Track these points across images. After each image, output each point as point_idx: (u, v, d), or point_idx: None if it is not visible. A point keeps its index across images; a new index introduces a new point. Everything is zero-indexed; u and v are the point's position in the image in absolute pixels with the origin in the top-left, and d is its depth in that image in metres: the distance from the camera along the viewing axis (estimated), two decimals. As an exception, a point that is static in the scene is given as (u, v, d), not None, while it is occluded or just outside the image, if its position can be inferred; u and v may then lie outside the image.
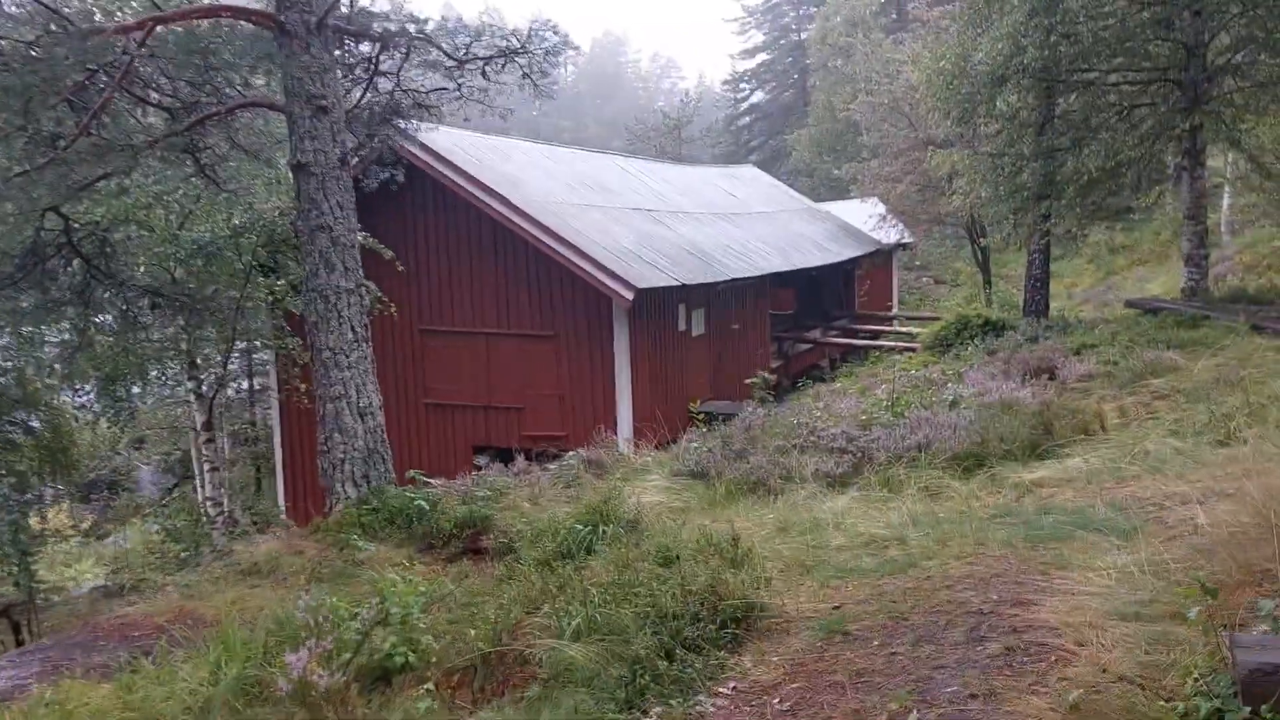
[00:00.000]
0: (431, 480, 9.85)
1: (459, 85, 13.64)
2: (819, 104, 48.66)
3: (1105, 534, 5.77)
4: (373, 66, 12.15)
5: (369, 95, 13.12)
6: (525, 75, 13.65)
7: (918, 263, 38.49)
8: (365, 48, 12.08)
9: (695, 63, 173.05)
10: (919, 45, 22.29)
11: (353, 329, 9.70)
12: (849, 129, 41.54)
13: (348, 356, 9.68)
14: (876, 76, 32.00)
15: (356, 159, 16.77)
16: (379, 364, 18.82)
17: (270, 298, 14.88)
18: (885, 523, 6.89)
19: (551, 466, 11.49)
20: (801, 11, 67.10)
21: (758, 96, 71.20)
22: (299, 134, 9.51)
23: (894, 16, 55.07)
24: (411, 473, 9.81)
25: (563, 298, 17.22)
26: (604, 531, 7.09)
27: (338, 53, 12.35)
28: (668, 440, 17.71)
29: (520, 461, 11.53)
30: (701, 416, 14.45)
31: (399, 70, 12.65)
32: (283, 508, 19.93)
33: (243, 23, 9.82)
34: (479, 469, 19.95)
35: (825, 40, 48.03)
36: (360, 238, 14.76)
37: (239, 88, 10.37)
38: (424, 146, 16.94)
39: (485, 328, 17.89)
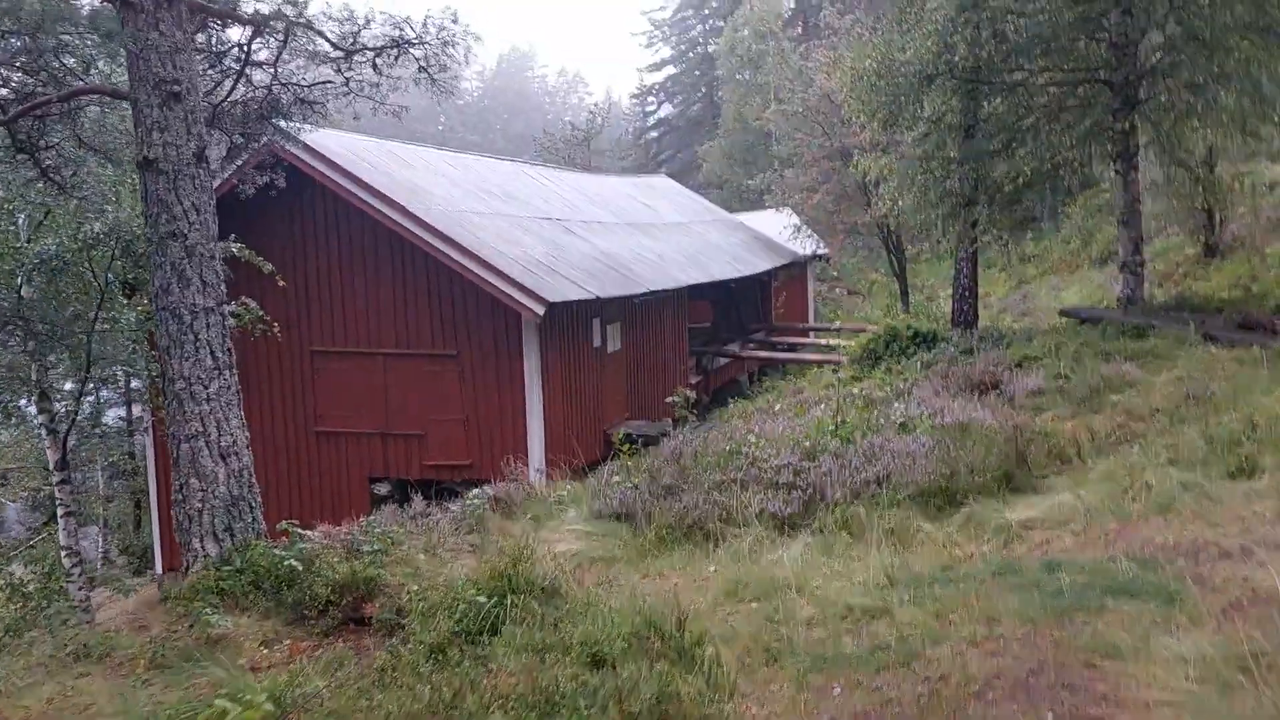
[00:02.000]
0: (307, 532, 8.32)
1: (347, 79, 12.17)
2: (729, 115, 48.01)
3: (1142, 600, 4.65)
4: (245, 55, 10.58)
5: (242, 89, 11.55)
6: (422, 69, 12.24)
7: (833, 274, 37.95)
8: (235, 33, 10.52)
9: (603, 77, 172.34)
10: (838, 50, 21.51)
11: (213, 354, 8.13)
12: (760, 139, 40.95)
13: (206, 387, 8.10)
14: (788, 85, 31.29)
15: (236, 164, 15.14)
16: (264, 389, 17.28)
17: (134, 318, 13.11)
18: (858, 582, 5.68)
19: (453, 507, 10.04)
20: (709, 25, 66.65)
21: (666, 110, 70.49)
22: (146, 125, 7.92)
23: (799, 30, 54.91)
24: (284, 524, 8.27)
25: (466, 314, 15.76)
26: (513, 603, 5.74)
27: (201, 38, 10.77)
28: (586, 466, 16.42)
29: (417, 502, 10.07)
30: (621, 439, 13.15)
31: (276, 60, 11.10)
32: (158, 548, 18.03)
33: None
34: (380, 501, 18.34)
35: (734, 51, 47.43)
36: (235, 248, 13.22)
37: (80, 75, 8.74)
38: (311, 150, 15.30)
39: (382, 347, 16.30)
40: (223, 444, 8.18)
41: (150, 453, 17.69)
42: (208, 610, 7.00)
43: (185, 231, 7.99)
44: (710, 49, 61.71)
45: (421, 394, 16.10)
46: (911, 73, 15.88)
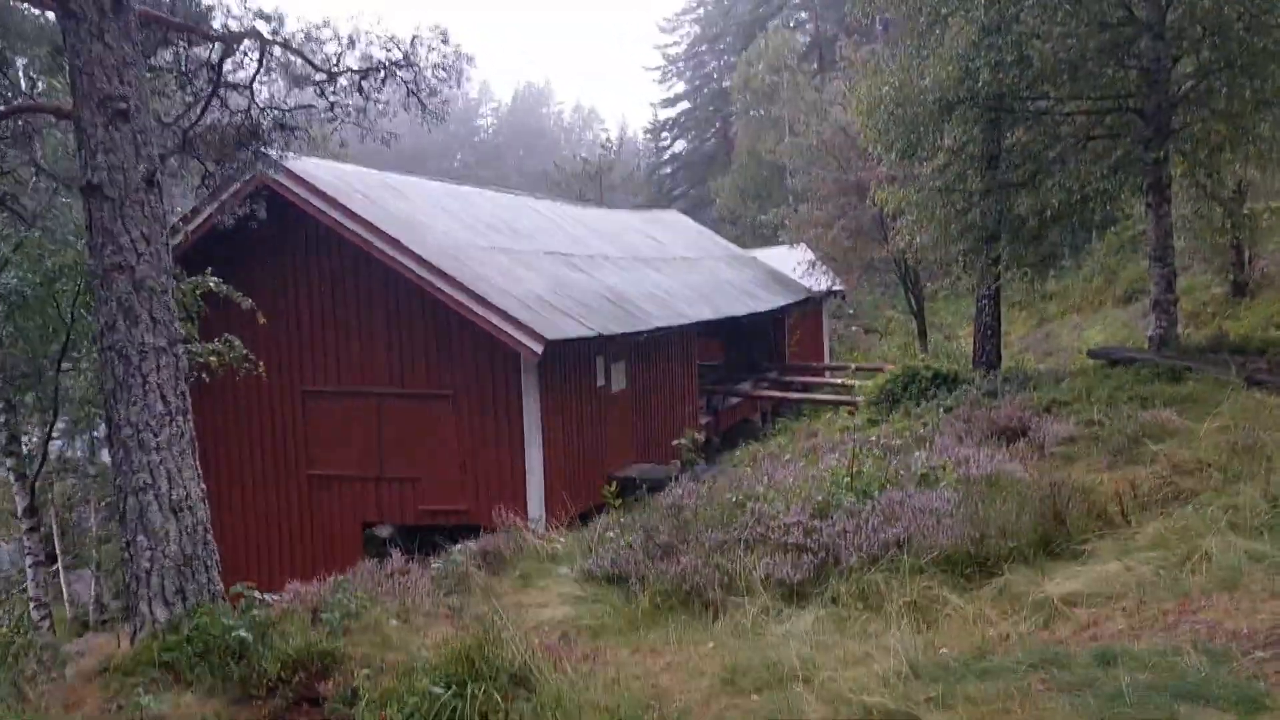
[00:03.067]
0: (268, 595, 7.52)
1: (331, 104, 11.55)
2: (742, 149, 47.53)
3: (1219, 707, 3.82)
4: (216, 76, 9.96)
5: (217, 113, 10.94)
6: (410, 92, 11.62)
7: (849, 311, 37.14)
8: (203, 51, 9.92)
9: (618, 113, 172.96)
10: (853, 80, 20.87)
11: (163, 399, 7.39)
12: (774, 174, 40.39)
13: (156, 435, 7.36)
14: (803, 118, 30.70)
15: (224, 196, 14.54)
16: (255, 430, 16.59)
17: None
18: (876, 672, 4.85)
19: (436, 564, 9.24)
20: (724, 60, 66.50)
21: (680, 145, 70.28)
22: (90, 146, 7.26)
23: (815, 65, 54.58)
24: (238, 587, 7.49)
25: (463, 351, 15.05)
26: (474, 693, 4.93)
27: (169, 57, 10.18)
28: (587, 512, 15.58)
29: (395, 559, 9.27)
30: (614, 489, 12.31)
31: (252, 82, 10.48)
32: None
33: (24, 4, 7.61)
34: (382, 543, 17.52)
35: (748, 85, 47.02)
36: (212, 283, 12.56)
37: (25, 91, 8.12)
38: (301, 180, 14.73)
39: (376, 386, 15.59)
40: (174, 497, 7.42)
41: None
42: (139, 690, 6.23)
43: (133, 263, 7.29)
44: (725, 84, 61.44)
45: (416, 436, 15.37)
46: (931, 100, 15.18)
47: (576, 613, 7.40)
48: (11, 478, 12.30)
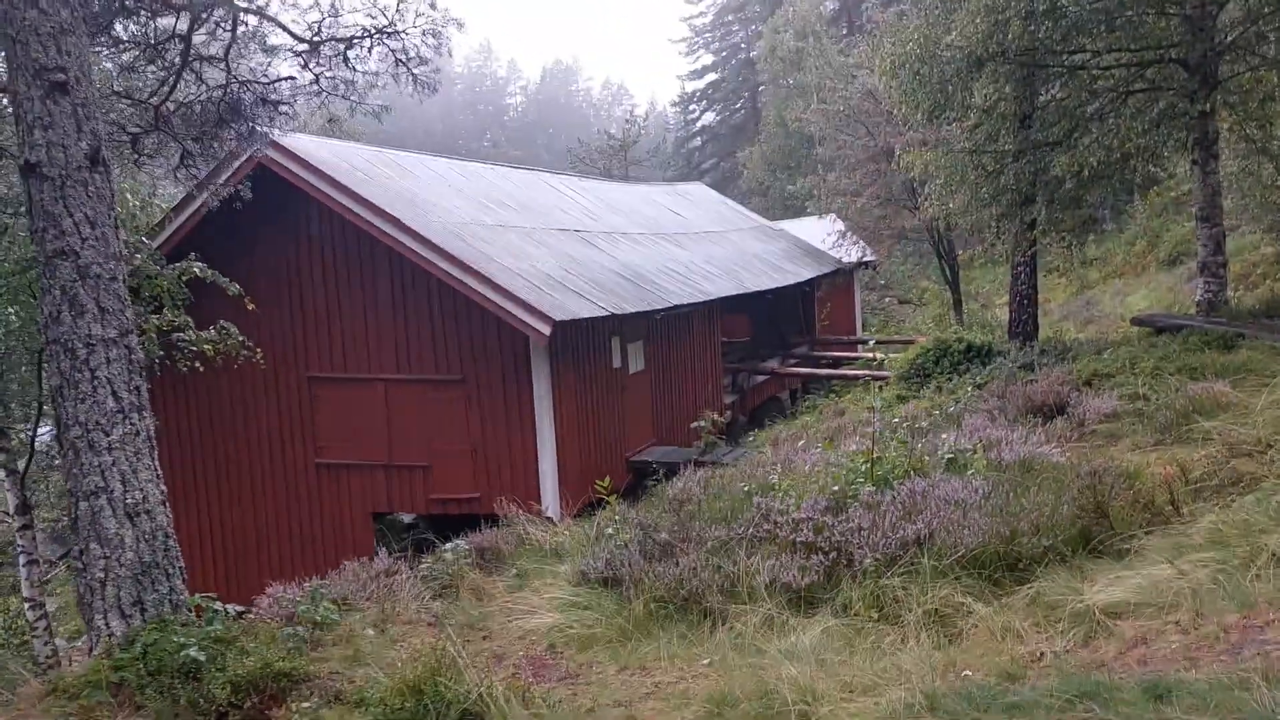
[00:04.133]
0: (225, 607, 6.94)
1: (316, 77, 10.93)
2: (770, 119, 46.41)
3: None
4: (185, 47, 9.37)
5: (195, 89, 10.36)
6: (399, 62, 10.97)
7: (881, 282, 36.10)
8: (170, 21, 9.32)
9: (647, 88, 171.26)
10: (877, 39, 19.88)
11: (115, 395, 6.83)
12: (802, 143, 39.33)
13: (107, 434, 6.80)
14: (830, 83, 29.66)
15: (220, 179, 13.99)
16: (262, 419, 16.12)
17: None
18: (888, 703, 4.16)
19: (426, 563, 8.65)
20: (751, 29, 65.10)
21: (708, 118, 69.08)
22: (27, 122, 6.68)
23: (844, 30, 53.19)
24: (197, 598, 6.93)
25: (471, 334, 14.44)
26: (424, 733, 4.31)
27: (135, 28, 9.59)
28: (605, 498, 14.97)
29: (381, 558, 8.69)
30: (634, 477, 11.65)
31: (227, 54, 9.87)
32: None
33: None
34: (405, 530, 17.05)
35: (774, 53, 45.84)
36: (197, 269, 12.03)
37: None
38: (297, 158, 14.15)
39: (383, 373, 15.03)
40: (129, 501, 6.87)
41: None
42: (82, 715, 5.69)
43: (77, 248, 6.71)
44: (752, 54, 60.17)
45: (426, 423, 14.80)
46: (959, 57, 14.24)
47: (567, 620, 6.77)
48: (2, 473, 11.88)
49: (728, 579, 6.40)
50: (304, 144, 14.82)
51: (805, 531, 6.65)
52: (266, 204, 14.85)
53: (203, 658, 6.02)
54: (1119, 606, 4.97)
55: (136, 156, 10.41)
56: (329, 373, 15.34)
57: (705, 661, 5.54)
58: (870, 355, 22.98)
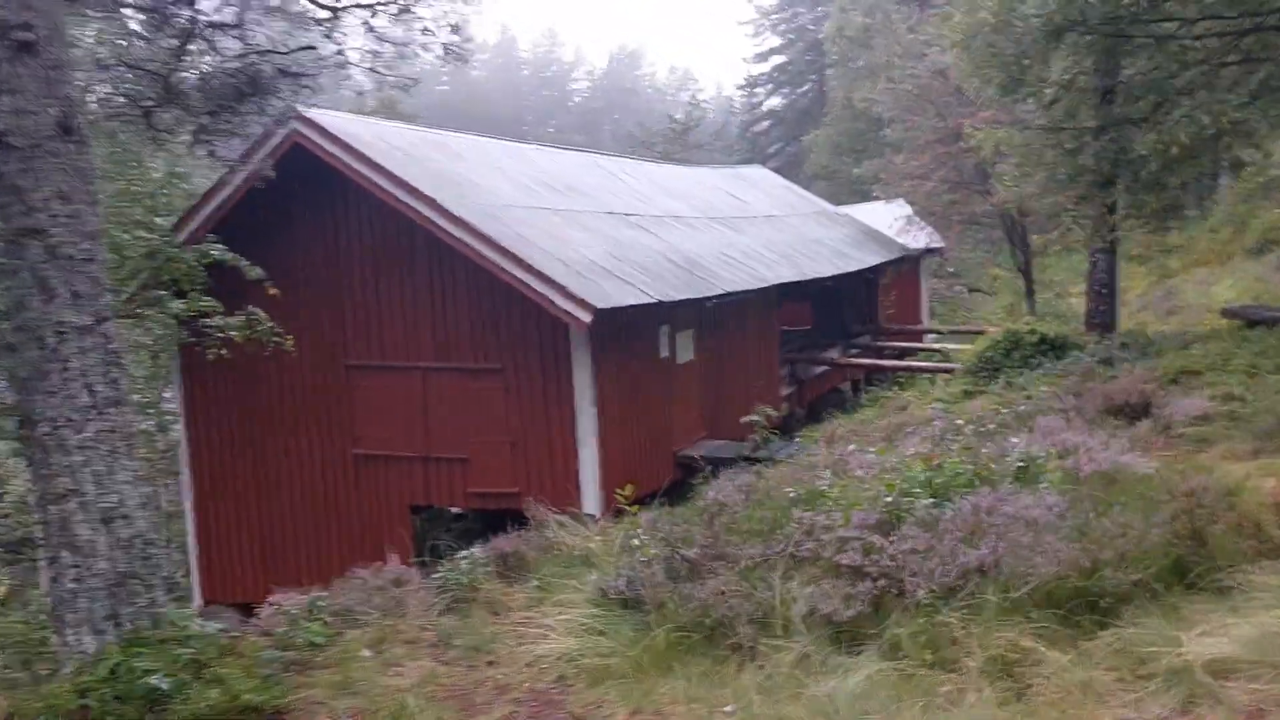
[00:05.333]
0: (204, 624, 6.36)
1: (340, 48, 10.32)
2: (837, 101, 45.08)
3: None
4: (192, 13, 8.81)
5: (209, 60, 9.82)
6: (425, 30, 10.32)
7: (950, 270, 34.71)
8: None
9: (713, 72, 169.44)
10: (947, 10, 18.73)
11: (89, 388, 6.26)
12: (870, 126, 38.02)
13: (80, 432, 6.23)
14: (898, 62, 28.44)
15: (256, 158, 13.54)
16: (298, 407, 15.69)
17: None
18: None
19: (440, 570, 7.99)
20: (818, 10, 63.50)
21: (774, 101, 67.76)
22: (-8, 88, 6.15)
23: (916, 6, 51.44)
24: (171, 613, 6.35)
25: (511, 321, 13.81)
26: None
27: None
28: (652, 495, 14.23)
29: (392, 564, 8.07)
30: (681, 474, 10.92)
31: (240, 21, 9.31)
32: (195, 577, 16.69)
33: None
34: (455, 520, 16.56)
35: (842, 32, 44.48)
36: (216, 251, 11.55)
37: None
38: (333, 137, 13.62)
39: (421, 361, 14.49)
40: (103, 505, 6.29)
41: (185, 469, 16.38)
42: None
43: (45, 226, 6.13)
44: (819, 35, 58.66)
45: (464, 413, 14.22)
46: (1036, 26, 13.13)
47: (581, 646, 6.05)
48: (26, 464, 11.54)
49: (761, 607, 5.61)
50: (341, 122, 14.31)
51: (851, 553, 5.82)
52: (303, 185, 14.40)
53: (166, 686, 5.42)
54: (1226, 663, 4.09)
55: (152, 132, 9.89)
56: (366, 360, 14.85)
57: (728, 709, 4.78)
58: (939, 347, 21.86)
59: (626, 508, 7.68)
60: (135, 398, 13.28)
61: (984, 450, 7.95)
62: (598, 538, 8.96)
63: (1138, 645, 4.43)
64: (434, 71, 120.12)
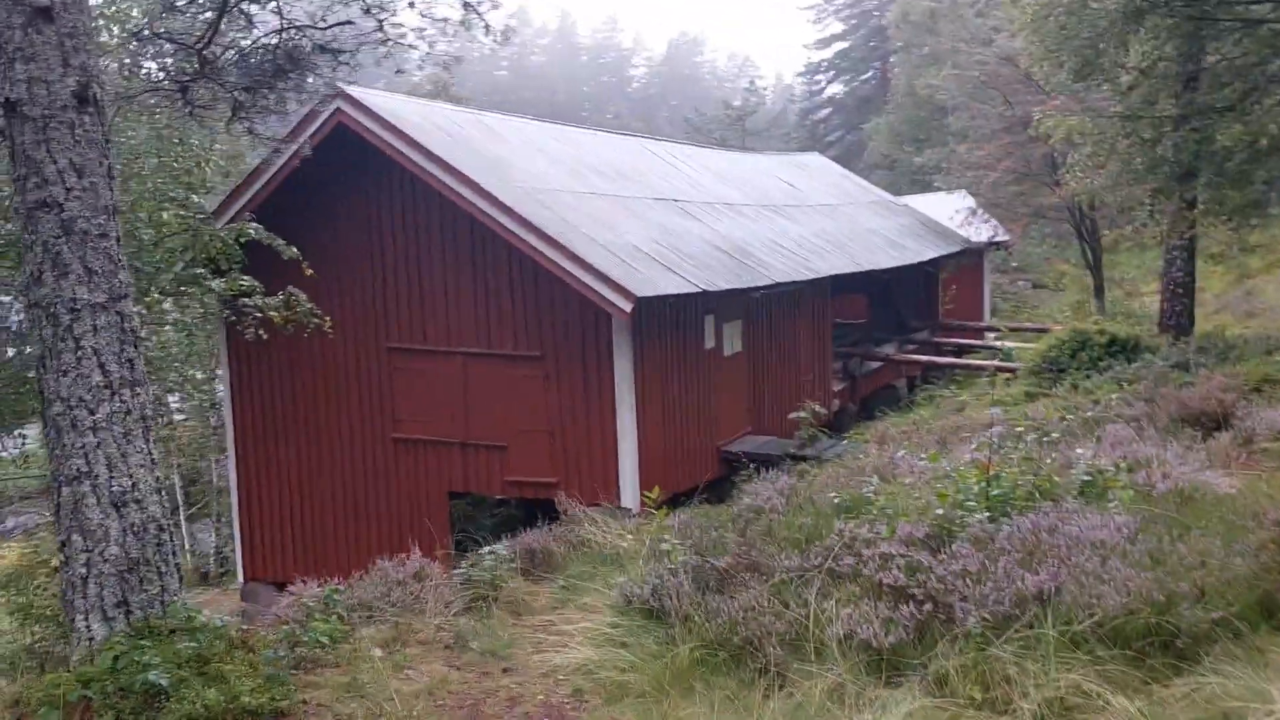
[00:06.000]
0: (213, 615, 6.05)
1: (380, 23, 9.98)
2: (899, 88, 44.00)
3: None
4: (225, -20, 8.52)
5: (245, 35, 9.55)
6: (466, 4, 9.93)
7: (1014, 264, 33.63)
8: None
9: (773, 60, 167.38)
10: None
11: (102, 367, 5.99)
12: (933, 114, 37.00)
13: (92, 412, 5.97)
14: (965, 48, 27.50)
15: (301, 138, 13.33)
16: (340, 389, 15.49)
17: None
18: None
19: (463, 565, 7.65)
20: (882, -4, 62.21)
21: (834, 89, 66.58)
22: (8, 53, 5.86)
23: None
24: (176, 603, 6.05)
25: (553, 308, 13.42)
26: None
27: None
28: (692, 490, 13.79)
29: (414, 559, 7.74)
30: (724, 470, 10.46)
31: (277, -8, 9.00)
32: (239, 555, 16.61)
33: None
34: (499, 505, 16.30)
35: (907, 18, 43.35)
36: (252, 230, 11.32)
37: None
38: (377, 117, 13.32)
39: (462, 346, 14.17)
40: (115, 488, 6.02)
41: (231, 448, 16.28)
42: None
43: (60, 199, 5.86)
44: (883, 20, 57.39)
45: (503, 400, 13.88)
46: (1113, 8, 12.39)
47: (600, 658, 5.65)
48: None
49: (793, 627, 5.16)
50: (386, 102, 14.02)
51: (895, 571, 5.33)
52: (347, 166, 14.16)
53: (164, 683, 5.13)
54: (1327, 727, 3.53)
55: (189, 108, 9.64)
56: (408, 344, 14.58)
57: (753, 741, 4.34)
58: (1001, 345, 21.05)
59: (653, 510, 7.22)
60: (173, 375, 13.10)
61: (1047, 461, 7.38)
62: (629, 536, 8.56)
63: (1219, 696, 3.89)
64: (492, 57, 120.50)
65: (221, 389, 16.90)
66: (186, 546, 24.84)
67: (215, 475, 24.19)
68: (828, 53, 65.96)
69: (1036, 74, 16.47)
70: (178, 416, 23.56)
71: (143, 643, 5.51)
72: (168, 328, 12.19)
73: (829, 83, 66.59)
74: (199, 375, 19.98)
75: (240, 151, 17.88)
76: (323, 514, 15.35)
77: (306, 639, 5.66)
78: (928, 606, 4.99)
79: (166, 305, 12.50)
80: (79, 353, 5.99)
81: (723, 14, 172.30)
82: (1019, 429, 8.46)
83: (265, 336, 11.82)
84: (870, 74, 61.73)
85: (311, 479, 15.32)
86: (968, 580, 5.06)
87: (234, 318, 12.00)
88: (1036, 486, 6.67)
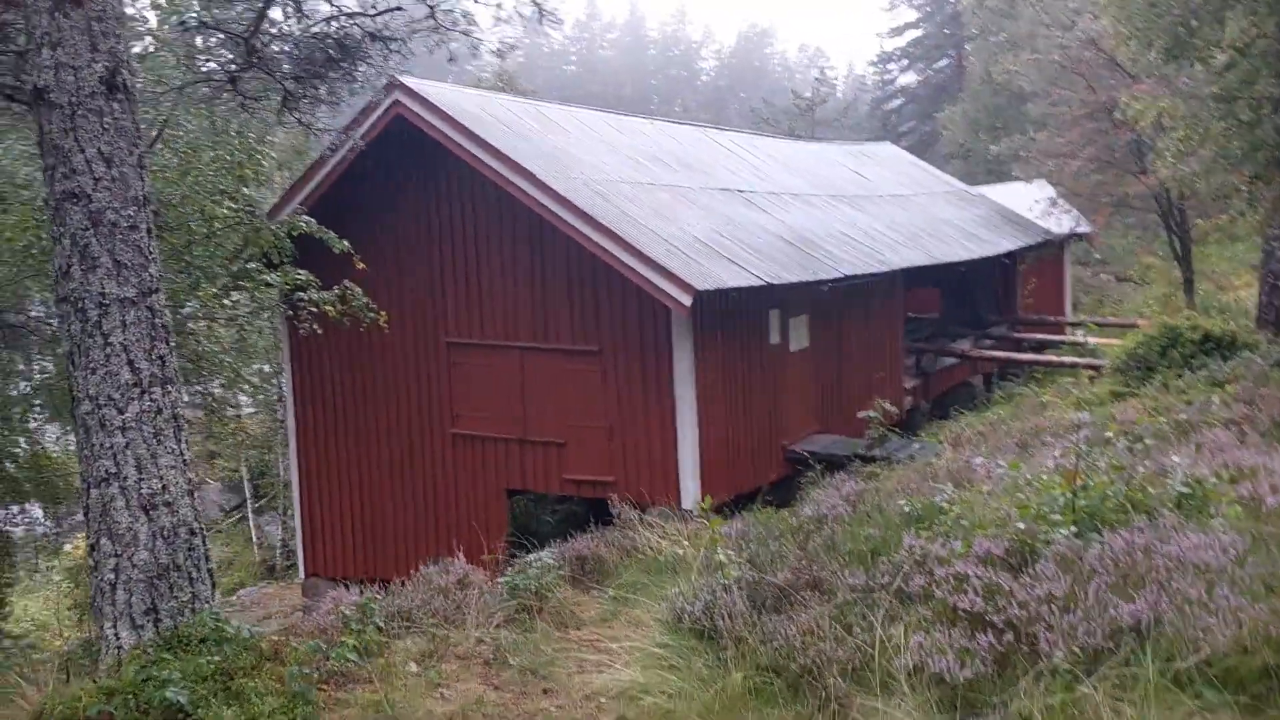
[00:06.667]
0: (241, 625, 5.78)
1: (432, 9, 9.70)
2: (975, 76, 42.70)
3: None
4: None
5: (294, 24, 9.33)
6: (524, -13, 9.59)
7: (1096, 256, 32.31)
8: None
9: (845, 50, 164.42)
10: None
11: (131, 365, 5.78)
12: (1011, 101, 35.78)
13: (121, 411, 5.76)
14: (1045, 31, 26.41)
15: (359, 130, 13.16)
16: (397, 384, 15.33)
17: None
18: None
19: (506, 575, 7.29)
20: (958, -19, 60.49)
21: (907, 78, 64.95)
22: (35, 39, 5.67)
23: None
24: (205, 613, 5.80)
25: (611, 301, 13.04)
26: None
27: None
28: (756, 491, 13.31)
29: (459, 564, 7.42)
30: (790, 471, 9.96)
31: (324, -23, 8.77)
32: (300, 550, 16.58)
33: None
34: (561, 502, 16.04)
35: (984, 3, 41.99)
36: (304, 222, 11.12)
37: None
38: (434, 108, 13.09)
39: (519, 341, 13.89)
40: (145, 491, 5.81)
41: (293, 445, 16.24)
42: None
43: (89, 190, 5.65)
44: (958, 7, 55.83)
45: (561, 396, 13.56)
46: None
47: (646, 680, 5.24)
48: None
49: (857, 654, 4.69)
50: (443, 93, 13.79)
51: (971, 594, 4.82)
52: (405, 159, 13.99)
53: (183, 700, 4.87)
54: None
55: (239, 99, 9.47)
56: (466, 338, 14.33)
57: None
58: (1085, 341, 20.09)
59: (707, 518, 6.77)
60: (228, 372, 13.02)
61: (1140, 468, 6.76)
62: (686, 542, 8.12)
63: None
64: (561, 51, 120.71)
65: (284, 384, 16.88)
66: (254, 540, 25.15)
67: (282, 469, 24.38)
68: (900, 41, 64.40)
69: (1122, 56, 15.59)
70: (247, 410, 23.81)
71: (165, 655, 5.27)
72: (220, 322, 12.09)
73: (902, 72, 65.03)
74: (266, 369, 20.09)
75: (303, 146, 17.87)
76: (382, 510, 15.21)
77: (334, 655, 5.34)
78: (1008, 636, 4.47)
79: (228, 300, 12.44)
80: (107, 349, 5.78)
81: (793, 4, 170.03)
82: (1107, 433, 7.82)
83: (320, 331, 11.67)
84: (945, 62, 60.11)
85: (371, 475, 15.19)
86: (1053, 607, 4.53)
87: (290, 312, 11.89)
88: (1128, 498, 6.08)
